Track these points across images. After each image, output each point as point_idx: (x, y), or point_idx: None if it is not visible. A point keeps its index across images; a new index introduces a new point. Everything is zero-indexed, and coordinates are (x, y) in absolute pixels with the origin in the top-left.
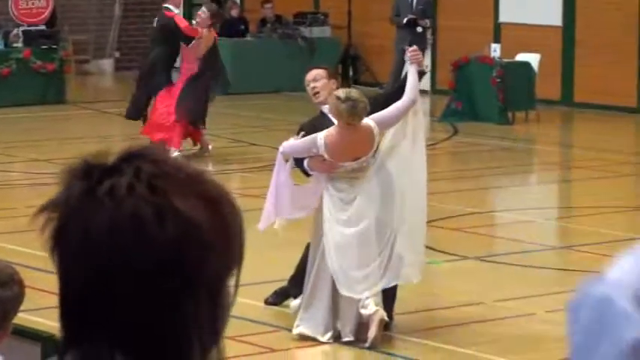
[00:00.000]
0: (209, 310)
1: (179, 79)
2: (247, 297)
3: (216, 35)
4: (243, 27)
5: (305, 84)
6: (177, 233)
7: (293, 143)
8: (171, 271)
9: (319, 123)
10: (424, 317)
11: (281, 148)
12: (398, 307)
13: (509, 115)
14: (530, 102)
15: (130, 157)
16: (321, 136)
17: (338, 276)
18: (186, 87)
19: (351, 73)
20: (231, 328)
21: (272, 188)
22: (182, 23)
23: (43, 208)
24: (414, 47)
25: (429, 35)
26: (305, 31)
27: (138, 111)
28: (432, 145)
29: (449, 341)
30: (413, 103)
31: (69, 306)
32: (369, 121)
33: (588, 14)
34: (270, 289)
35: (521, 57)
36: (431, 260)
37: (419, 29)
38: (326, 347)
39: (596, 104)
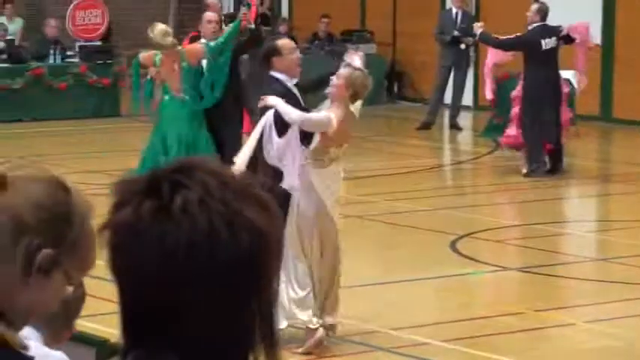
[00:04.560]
0: (267, 315)
1: None
2: None
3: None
4: None
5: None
6: (249, 243)
7: (312, 116)
8: (244, 280)
9: (275, 85)
10: (465, 326)
11: (298, 119)
12: (438, 315)
13: None
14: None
15: (188, 170)
16: (332, 116)
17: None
18: None
19: (395, 88)
20: None
21: (287, 152)
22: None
23: (108, 226)
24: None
25: (471, 53)
26: (352, 48)
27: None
28: (475, 159)
29: (489, 350)
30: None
31: (135, 315)
32: (353, 110)
33: (627, 31)
34: None
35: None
36: (473, 271)
37: (462, 46)
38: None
39: (635, 120)
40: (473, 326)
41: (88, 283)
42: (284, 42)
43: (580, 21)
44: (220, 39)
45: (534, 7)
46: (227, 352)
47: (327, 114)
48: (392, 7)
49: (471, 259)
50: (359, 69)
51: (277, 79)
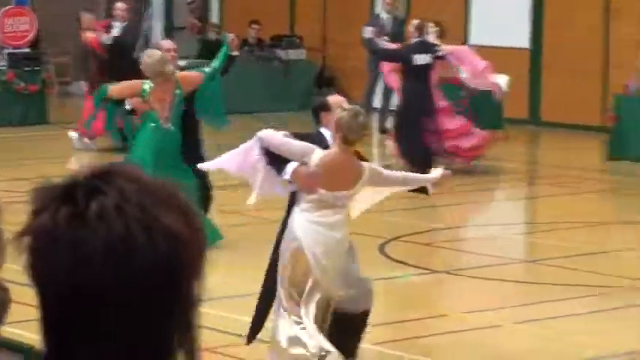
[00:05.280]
0: (187, 322)
1: None
2: (220, 309)
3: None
4: None
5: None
6: (167, 248)
7: (283, 138)
8: (163, 287)
9: (317, 140)
10: (394, 329)
11: (262, 135)
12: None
13: None
14: (497, 121)
15: (107, 176)
16: (319, 151)
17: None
18: None
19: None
20: (205, 340)
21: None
22: None
23: (26, 232)
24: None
25: None
26: (281, 53)
27: None
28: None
29: (418, 352)
30: (414, 185)
31: (55, 322)
32: (365, 164)
33: (555, 36)
34: (243, 303)
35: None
36: (402, 274)
37: None
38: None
39: (562, 123)
40: (402, 329)
41: (14, 289)
42: (336, 99)
43: (461, 47)
44: (214, 65)
45: (414, 22)
46: (149, 357)
47: (312, 146)
48: (322, 13)
49: (400, 262)
50: (348, 109)
51: (322, 136)
